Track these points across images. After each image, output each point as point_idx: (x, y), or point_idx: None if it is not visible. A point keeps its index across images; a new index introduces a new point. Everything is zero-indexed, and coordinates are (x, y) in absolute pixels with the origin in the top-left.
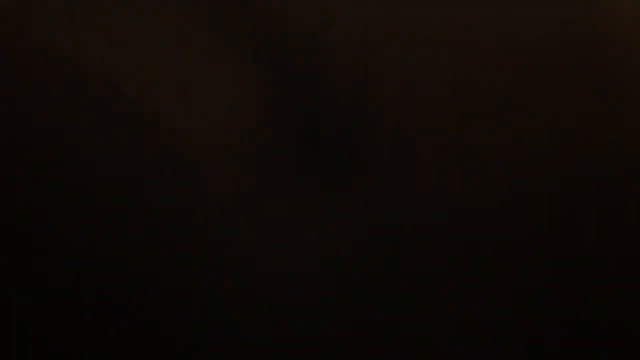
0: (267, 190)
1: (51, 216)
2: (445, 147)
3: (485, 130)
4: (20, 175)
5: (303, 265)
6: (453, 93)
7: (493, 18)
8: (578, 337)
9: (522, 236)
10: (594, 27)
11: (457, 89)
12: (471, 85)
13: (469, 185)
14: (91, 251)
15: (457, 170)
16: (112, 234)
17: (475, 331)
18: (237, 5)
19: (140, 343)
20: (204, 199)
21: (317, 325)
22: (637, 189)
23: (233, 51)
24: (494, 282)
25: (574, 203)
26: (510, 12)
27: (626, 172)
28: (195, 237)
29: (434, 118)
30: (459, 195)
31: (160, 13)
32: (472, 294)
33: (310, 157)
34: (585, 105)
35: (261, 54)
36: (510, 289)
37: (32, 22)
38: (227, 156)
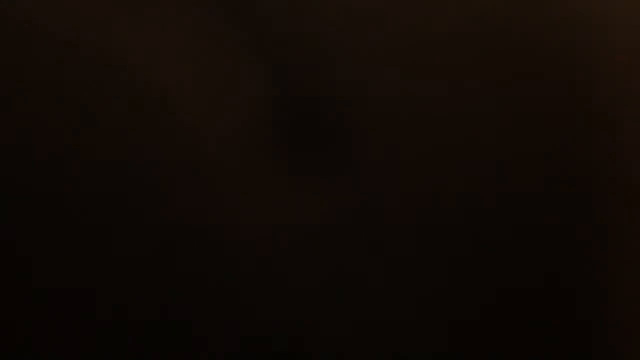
0: (265, 179)
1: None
2: (436, 143)
3: (478, 127)
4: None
5: (296, 250)
6: (447, 92)
7: (483, 17)
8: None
9: (512, 235)
10: (584, 27)
11: (450, 88)
12: (463, 85)
13: (459, 182)
14: (95, 235)
15: (448, 166)
16: (118, 224)
17: (464, 327)
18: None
19: (143, 326)
20: (203, 186)
21: (307, 309)
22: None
23: (238, 47)
24: (482, 276)
25: (565, 206)
26: (499, 12)
27: (625, 172)
28: (193, 225)
29: (426, 116)
30: (448, 189)
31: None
32: (459, 286)
33: (307, 150)
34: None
35: (265, 50)
36: (500, 282)
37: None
38: (226, 145)
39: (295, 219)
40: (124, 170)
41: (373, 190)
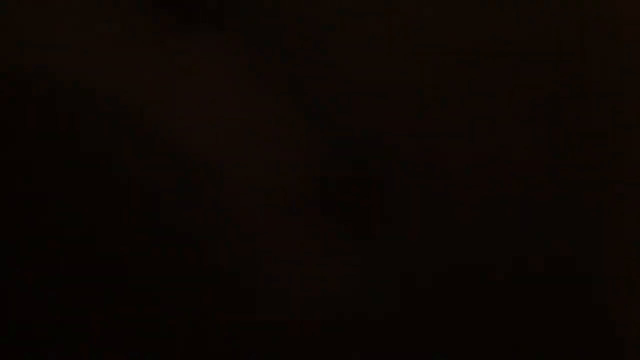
0: (300, 234)
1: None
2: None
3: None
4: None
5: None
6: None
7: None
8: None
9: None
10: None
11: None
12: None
13: (489, 245)
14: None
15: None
16: (147, 272)
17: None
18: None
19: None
20: (238, 236)
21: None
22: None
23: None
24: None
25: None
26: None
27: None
28: (226, 272)
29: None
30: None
31: (213, 60)
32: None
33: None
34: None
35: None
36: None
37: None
38: (262, 196)
39: (338, 281)
40: (166, 228)
41: (416, 251)
